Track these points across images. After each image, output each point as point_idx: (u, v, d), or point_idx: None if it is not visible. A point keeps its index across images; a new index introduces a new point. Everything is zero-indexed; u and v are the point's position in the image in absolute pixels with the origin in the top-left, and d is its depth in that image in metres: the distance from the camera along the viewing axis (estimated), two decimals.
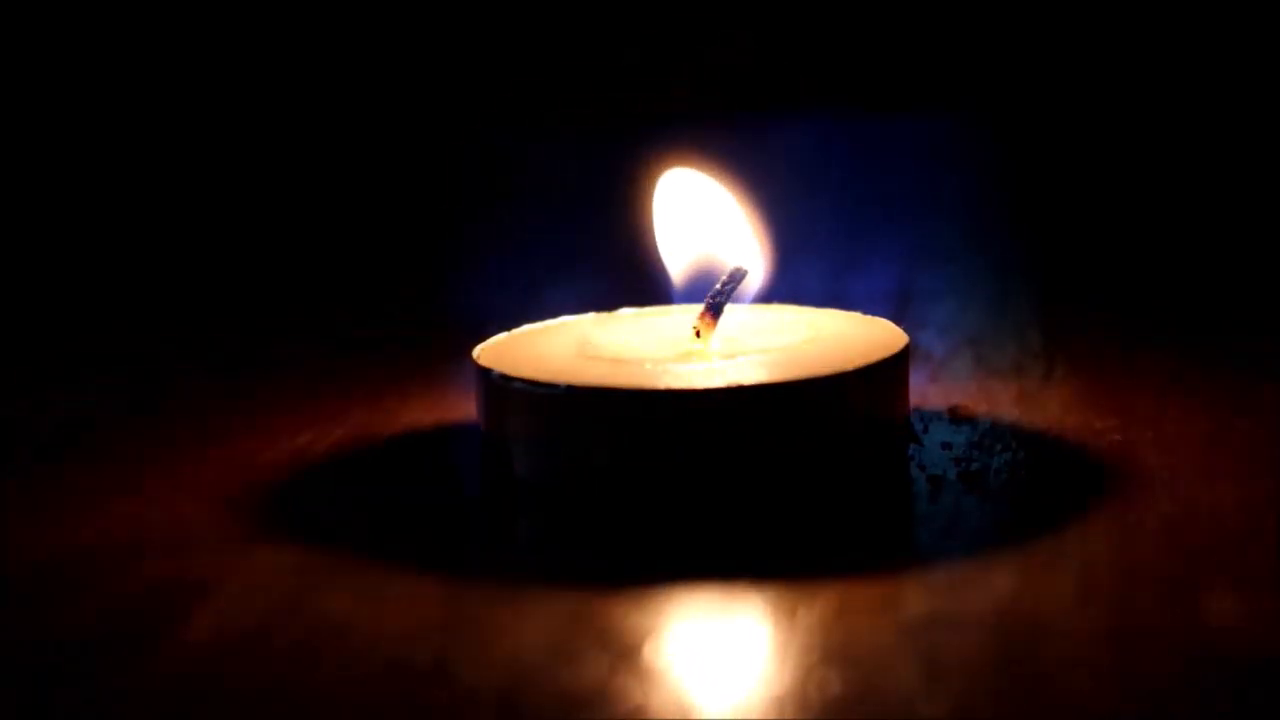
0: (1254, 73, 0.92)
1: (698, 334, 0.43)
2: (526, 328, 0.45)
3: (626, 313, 0.46)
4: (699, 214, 0.46)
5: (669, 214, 0.46)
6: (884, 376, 0.40)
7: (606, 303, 0.47)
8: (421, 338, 0.57)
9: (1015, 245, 0.71)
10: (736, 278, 0.43)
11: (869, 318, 0.44)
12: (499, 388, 0.40)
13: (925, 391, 0.47)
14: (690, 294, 0.45)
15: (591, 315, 0.46)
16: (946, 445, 0.42)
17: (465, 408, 0.46)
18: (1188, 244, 0.68)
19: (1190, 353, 0.51)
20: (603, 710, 0.30)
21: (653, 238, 0.46)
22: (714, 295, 0.43)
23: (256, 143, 0.94)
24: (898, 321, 0.43)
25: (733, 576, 0.35)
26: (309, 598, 0.35)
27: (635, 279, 0.54)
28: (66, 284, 0.67)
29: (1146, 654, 0.31)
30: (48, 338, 0.59)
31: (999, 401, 0.46)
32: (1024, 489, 0.40)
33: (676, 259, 0.46)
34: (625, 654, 0.32)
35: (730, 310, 0.43)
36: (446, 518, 0.40)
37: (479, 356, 0.42)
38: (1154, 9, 0.97)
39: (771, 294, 0.45)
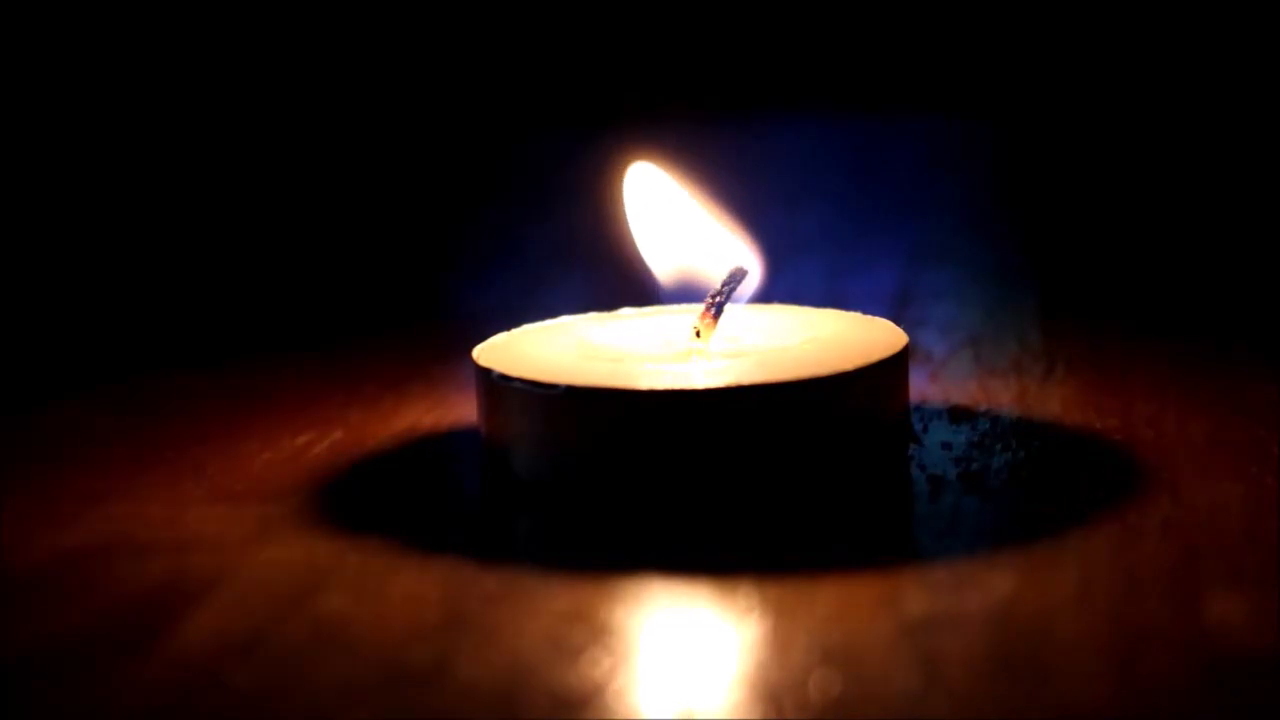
0: (1253, 72, 0.92)
1: (698, 334, 0.43)
2: (526, 328, 0.44)
3: (626, 313, 0.46)
4: (669, 214, 0.45)
5: (641, 214, 0.46)
6: (884, 376, 0.40)
7: (606, 303, 0.47)
8: (421, 338, 0.57)
9: (1015, 245, 0.71)
10: (737, 277, 0.43)
11: (869, 318, 0.44)
12: (499, 388, 0.40)
13: (925, 391, 0.47)
14: (679, 294, 0.45)
15: (591, 315, 0.46)
16: (946, 445, 0.42)
17: (465, 408, 0.46)
18: (1187, 243, 0.68)
19: (1190, 352, 0.51)
20: (602, 710, 0.30)
21: (631, 237, 0.46)
22: (715, 295, 0.43)
23: (255, 143, 0.94)
24: (898, 321, 0.43)
25: (733, 576, 0.35)
26: (309, 598, 0.35)
27: (635, 279, 0.54)
28: (66, 285, 0.67)
29: (1146, 654, 0.31)
30: (48, 338, 0.59)
31: (999, 401, 0.46)
32: (1024, 489, 0.40)
33: (660, 259, 0.45)
34: (625, 653, 0.32)
35: (730, 310, 0.43)
36: (446, 517, 0.40)
37: (479, 356, 0.41)
38: (1153, 9, 0.97)
39: (771, 294, 0.45)
